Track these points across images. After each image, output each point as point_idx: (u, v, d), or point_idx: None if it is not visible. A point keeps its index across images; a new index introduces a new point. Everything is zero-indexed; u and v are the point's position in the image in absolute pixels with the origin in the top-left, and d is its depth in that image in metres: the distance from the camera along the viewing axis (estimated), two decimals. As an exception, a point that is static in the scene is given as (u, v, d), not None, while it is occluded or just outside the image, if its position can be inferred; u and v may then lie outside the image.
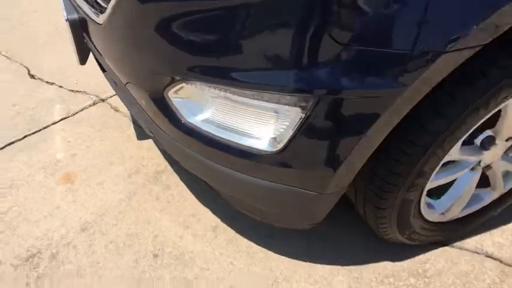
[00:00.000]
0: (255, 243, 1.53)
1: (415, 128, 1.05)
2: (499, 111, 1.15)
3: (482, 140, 1.26)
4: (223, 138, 1.08)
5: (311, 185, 1.08)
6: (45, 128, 1.96)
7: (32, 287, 1.39)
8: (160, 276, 1.42)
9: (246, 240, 1.54)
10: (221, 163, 1.13)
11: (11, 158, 1.84)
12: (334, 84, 0.87)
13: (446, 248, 1.55)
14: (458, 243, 1.56)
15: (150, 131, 1.30)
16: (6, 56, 2.56)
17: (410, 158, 1.09)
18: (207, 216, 1.61)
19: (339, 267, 1.47)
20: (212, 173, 1.19)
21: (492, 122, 1.20)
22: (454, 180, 1.36)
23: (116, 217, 1.59)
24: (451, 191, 1.37)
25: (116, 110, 2.12)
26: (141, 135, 1.95)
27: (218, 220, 1.60)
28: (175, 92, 1.10)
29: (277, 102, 0.95)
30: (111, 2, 1.08)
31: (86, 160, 1.80)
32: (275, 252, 1.51)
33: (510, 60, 1.00)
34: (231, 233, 1.55)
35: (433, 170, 1.14)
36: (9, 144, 1.91)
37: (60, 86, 2.29)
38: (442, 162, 1.16)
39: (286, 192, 1.11)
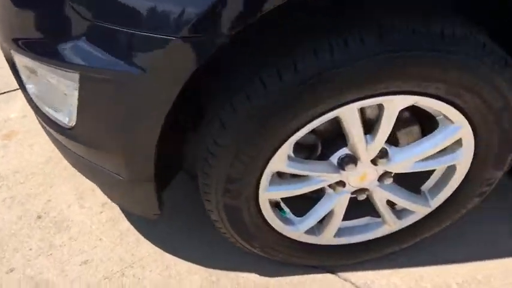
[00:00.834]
0: (134, 226, 1.53)
1: (217, 126, 0.98)
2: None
3: (340, 157, 1.12)
4: (45, 110, 1.10)
5: (110, 167, 1.05)
6: (13, 90, 2.15)
7: None
8: (32, 236, 1.49)
9: (127, 222, 1.54)
10: (55, 133, 1.16)
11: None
12: (85, 60, 0.85)
13: (329, 275, 1.40)
14: (346, 274, 1.40)
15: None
16: None
17: (214, 159, 1.01)
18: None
19: (201, 267, 1.40)
20: (55, 142, 1.23)
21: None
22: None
23: (26, 176, 1.70)
24: (312, 210, 1.24)
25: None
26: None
27: (112, 198, 1.62)
28: (20, 61, 1.14)
29: (62, 77, 0.95)
30: None
31: (31, 123, 1.94)
32: (149, 239, 1.49)
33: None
34: (116, 212, 1.56)
35: (246, 176, 1.04)
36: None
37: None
38: (263, 171, 1.05)
39: (98, 171, 1.10)
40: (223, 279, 1.38)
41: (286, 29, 0.92)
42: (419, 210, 1.27)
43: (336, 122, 1.02)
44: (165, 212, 1.57)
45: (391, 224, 1.30)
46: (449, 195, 1.23)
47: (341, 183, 1.17)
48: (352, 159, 1.10)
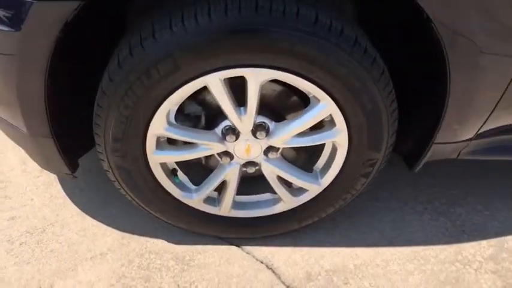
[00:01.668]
0: (65, 191, 1.66)
1: (99, 92, 1.10)
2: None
3: (224, 129, 1.22)
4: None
5: (14, 121, 1.18)
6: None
7: None
8: (-29, 192, 1.64)
9: (59, 187, 1.67)
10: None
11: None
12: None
13: (234, 248, 1.49)
14: (249, 248, 1.49)
15: None
16: None
17: (100, 120, 1.13)
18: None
19: (114, 230, 1.52)
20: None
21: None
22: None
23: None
24: (206, 179, 1.33)
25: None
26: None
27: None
28: None
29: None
30: None
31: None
32: (74, 203, 1.61)
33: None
34: (52, 178, 1.70)
35: (128, 136, 1.14)
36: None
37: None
38: (146, 134, 1.16)
39: (8, 126, 1.24)
40: (133, 242, 1.49)
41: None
42: (310, 188, 1.35)
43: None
44: (92, 179, 1.71)
45: (286, 201, 1.38)
46: (336, 174, 1.30)
47: (228, 154, 1.26)
48: (233, 131, 1.20)
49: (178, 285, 1.36)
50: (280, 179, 1.34)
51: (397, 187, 1.73)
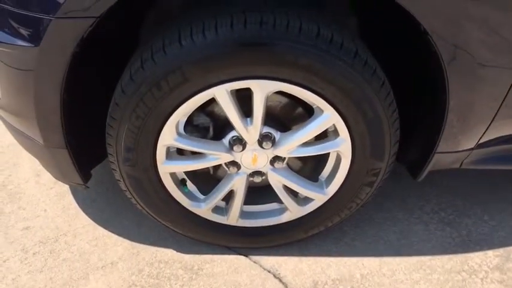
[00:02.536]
0: (77, 202, 1.70)
1: (112, 103, 1.15)
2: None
3: (231, 139, 1.26)
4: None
5: (30, 133, 1.24)
6: None
7: None
8: (-13, 204, 1.70)
9: (72, 197, 1.72)
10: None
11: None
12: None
13: (242, 257, 1.51)
14: (256, 257, 1.51)
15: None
16: None
17: (112, 130, 1.18)
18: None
19: (125, 240, 1.55)
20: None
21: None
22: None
23: (0, 155, 1.95)
24: (214, 189, 1.37)
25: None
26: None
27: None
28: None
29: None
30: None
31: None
32: (86, 213, 1.66)
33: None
34: (65, 189, 1.75)
35: (139, 146, 1.19)
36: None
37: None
38: (156, 144, 1.20)
39: (25, 137, 1.29)
40: (143, 252, 1.52)
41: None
42: (315, 198, 1.38)
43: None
44: (103, 190, 1.76)
45: (292, 210, 1.41)
46: (341, 183, 1.33)
47: (235, 164, 1.30)
48: (240, 141, 1.24)
49: (186, 293, 1.39)
50: (287, 189, 1.38)
51: (404, 197, 1.76)
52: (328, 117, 1.17)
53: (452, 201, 1.74)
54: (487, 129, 1.19)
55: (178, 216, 1.40)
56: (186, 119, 1.20)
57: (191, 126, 1.26)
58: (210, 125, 1.28)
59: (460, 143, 1.25)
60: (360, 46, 1.11)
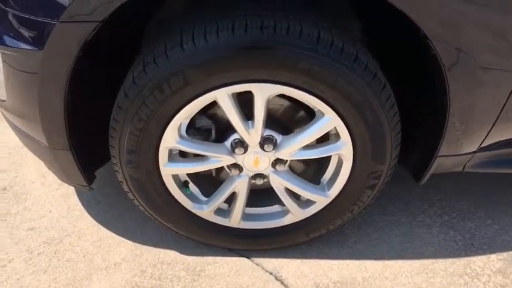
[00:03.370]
0: (82, 203, 1.72)
1: (115, 107, 1.17)
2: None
3: (233, 142, 1.27)
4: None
5: (35, 134, 1.26)
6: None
7: None
8: (-7, 204, 1.72)
9: (77, 199, 1.74)
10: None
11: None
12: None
13: (244, 259, 1.52)
14: (258, 260, 1.52)
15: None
16: None
17: (115, 132, 1.19)
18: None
19: (129, 242, 1.57)
20: (5, 119, 1.45)
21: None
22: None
23: (1, 155, 1.96)
24: (217, 191, 1.38)
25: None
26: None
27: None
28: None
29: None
30: None
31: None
32: (91, 215, 1.67)
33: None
34: (70, 190, 1.77)
35: (141, 148, 1.20)
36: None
37: None
38: (158, 146, 1.21)
39: (30, 139, 1.31)
40: (146, 253, 1.53)
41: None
42: (317, 200, 1.38)
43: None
44: (107, 192, 1.77)
45: (294, 213, 1.42)
46: (343, 185, 1.34)
47: (237, 167, 1.31)
48: (242, 144, 1.25)
49: (188, 294, 1.40)
50: (289, 191, 1.38)
51: (407, 201, 1.75)
52: (329, 120, 1.17)
53: (455, 205, 1.73)
54: (489, 133, 1.19)
55: (181, 218, 1.41)
56: (188, 121, 1.21)
57: (193, 129, 1.27)
58: (212, 128, 1.29)
59: (462, 147, 1.25)
60: (361, 50, 1.11)
